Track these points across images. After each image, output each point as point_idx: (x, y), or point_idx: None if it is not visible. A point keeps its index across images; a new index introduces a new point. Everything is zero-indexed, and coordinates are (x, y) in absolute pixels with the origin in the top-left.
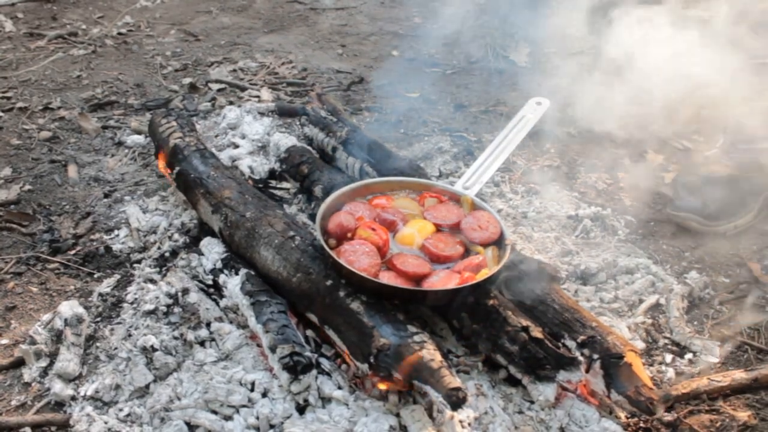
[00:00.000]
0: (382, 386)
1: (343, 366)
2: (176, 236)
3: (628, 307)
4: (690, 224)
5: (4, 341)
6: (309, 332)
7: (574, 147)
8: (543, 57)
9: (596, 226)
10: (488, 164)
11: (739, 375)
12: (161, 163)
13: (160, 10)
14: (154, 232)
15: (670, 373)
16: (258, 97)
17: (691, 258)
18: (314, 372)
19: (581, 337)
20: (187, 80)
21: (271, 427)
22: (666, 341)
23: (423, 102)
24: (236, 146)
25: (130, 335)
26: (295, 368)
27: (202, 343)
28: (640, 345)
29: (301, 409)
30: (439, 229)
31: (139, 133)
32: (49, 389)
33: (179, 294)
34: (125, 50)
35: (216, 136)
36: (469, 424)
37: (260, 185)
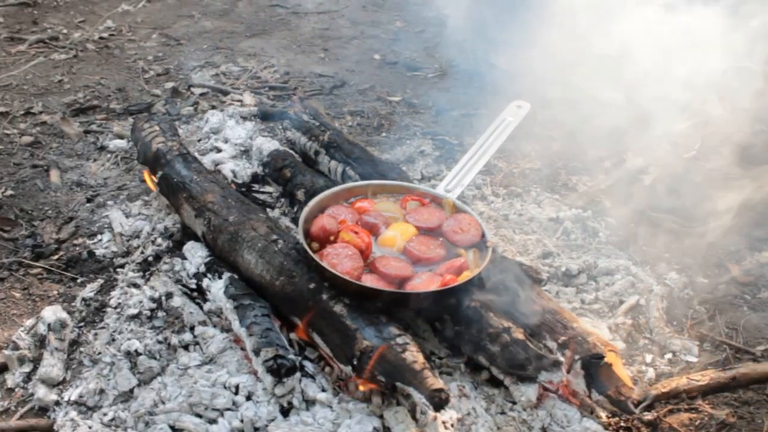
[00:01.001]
0: (363, 387)
1: (327, 369)
2: (159, 240)
3: (609, 308)
4: (668, 224)
5: None
6: (292, 335)
7: (555, 150)
8: (524, 60)
9: (577, 228)
10: (470, 167)
11: (717, 374)
12: (147, 175)
13: (141, 15)
14: (137, 237)
15: (651, 372)
16: (240, 101)
17: (671, 259)
18: (298, 375)
19: (562, 338)
20: (169, 84)
21: (256, 429)
22: (646, 341)
23: (405, 105)
24: (219, 150)
25: (113, 340)
26: (279, 371)
27: (186, 347)
28: (621, 345)
29: (285, 412)
30: (420, 231)
31: (121, 137)
32: (32, 394)
33: (163, 298)
34: (107, 54)
35: (199, 141)
36: (452, 425)
37: (243, 189)
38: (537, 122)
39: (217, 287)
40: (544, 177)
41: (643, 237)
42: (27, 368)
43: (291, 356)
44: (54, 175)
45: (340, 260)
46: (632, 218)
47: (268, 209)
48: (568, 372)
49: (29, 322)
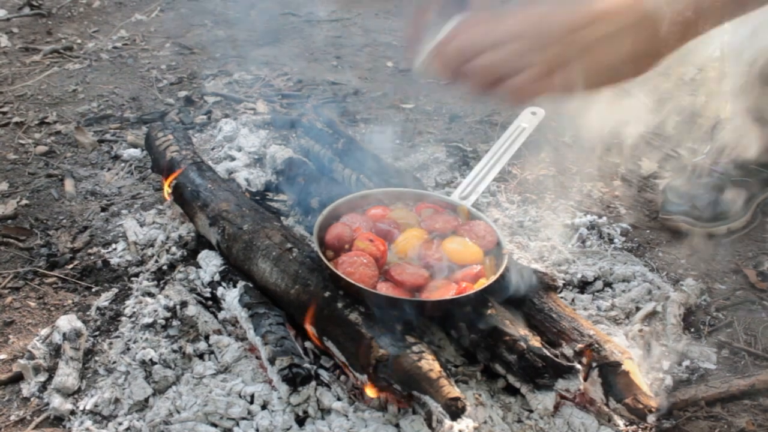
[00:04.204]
0: (371, 393)
1: (342, 377)
2: (174, 249)
3: (626, 315)
4: (682, 226)
5: (3, 356)
6: (307, 344)
7: (570, 156)
8: None
9: (592, 234)
10: (484, 174)
11: (736, 381)
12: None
13: (155, 24)
14: (152, 246)
15: (668, 380)
16: (254, 109)
17: (687, 265)
18: (313, 383)
19: (579, 346)
20: (182, 93)
21: None
22: (663, 348)
23: (418, 112)
24: (233, 159)
25: (128, 349)
26: (294, 380)
27: (201, 356)
28: (638, 352)
29: (301, 421)
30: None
31: (135, 146)
32: (48, 404)
33: (177, 307)
34: (120, 64)
35: (212, 149)
36: None
37: (257, 197)
38: (551, 128)
39: (231, 296)
40: (558, 183)
41: (658, 243)
42: (42, 378)
43: (306, 365)
44: (68, 185)
45: (355, 268)
46: (647, 224)
47: (282, 217)
48: (585, 380)
49: (44, 332)
